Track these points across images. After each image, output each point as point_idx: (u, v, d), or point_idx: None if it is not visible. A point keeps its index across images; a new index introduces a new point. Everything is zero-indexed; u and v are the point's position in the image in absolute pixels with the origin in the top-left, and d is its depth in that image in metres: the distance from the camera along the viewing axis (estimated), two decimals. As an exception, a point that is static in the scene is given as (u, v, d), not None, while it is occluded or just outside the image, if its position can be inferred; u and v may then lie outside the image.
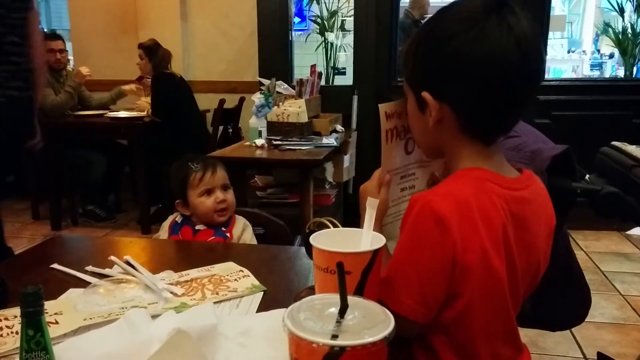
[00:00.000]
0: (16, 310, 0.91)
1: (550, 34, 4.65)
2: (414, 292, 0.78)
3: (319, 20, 4.56)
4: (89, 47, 4.52)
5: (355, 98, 3.88)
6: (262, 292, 1.04)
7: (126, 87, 4.05)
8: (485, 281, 0.79)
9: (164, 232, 1.59)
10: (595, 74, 6.58)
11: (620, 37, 4.33)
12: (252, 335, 0.84)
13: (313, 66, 3.55)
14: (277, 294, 1.04)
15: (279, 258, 1.28)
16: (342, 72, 4.73)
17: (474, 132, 0.84)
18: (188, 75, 4.17)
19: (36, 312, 0.65)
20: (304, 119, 3.09)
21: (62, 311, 0.94)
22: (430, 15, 0.87)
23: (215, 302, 0.99)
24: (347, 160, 3.46)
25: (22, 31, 2.01)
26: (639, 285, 2.87)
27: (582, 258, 3.18)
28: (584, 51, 7.57)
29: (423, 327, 0.82)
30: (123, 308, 0.95)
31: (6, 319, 0.91)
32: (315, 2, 4.70)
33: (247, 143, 3.03)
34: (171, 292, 1.02)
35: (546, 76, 4.50)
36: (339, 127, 3.53)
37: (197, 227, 1.56)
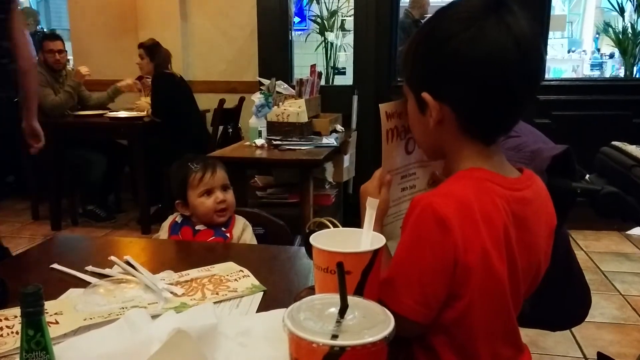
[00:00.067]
0: (16, 310, 0.91)
1: (551, 34, 4.65)
2: (414, 293, 0.78)
3: (318, 20, 4.57)
4: (88, 47, 4.52)
5: (355, 98, 3.88)
6: (262, 292, 1.04)
7: (122, 84, 4.04)
8: (486, 282, 0.79)
9: (164, 232, 1.59)
10: (596, 73, 6.59)
11: (621, 36, 4.33)
12: (252, 335, 0.84)
13: (313, 66, 3.55)
14: (277, 294, 1.04)
15: (279, 258, 1.28)
16: (342, 72, 4.73)
17: (474, 132, 0.84)
18: (188, 75, 4.17)
19: (36, 312, 0.65)
20: (304, 119, 3.09)
21: (62, 311, 0.94)
22: (430, 15, 0.87)
23: (215, 302, 0.99)
24: (347, 160, 3.46)
25: (3, 32, 1.99)
26: (639, 285, 2.87)
27: (582, 258, 3.19)
28: (584, 51, 7.57)
29: (424, 327, 0.82)
30: (123, 308, 0.96)
31: (6, 319, 0.91)
32: (315, 1, 4.71)
33: (247, 143, 3.03)
34: (171, 292, 1.02)
35: (546, 76, 4.50)
36: (338, 127, 3.53)
37: (197, 228, 1.56)
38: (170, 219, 1.62)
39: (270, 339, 0.82)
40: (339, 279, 0.62)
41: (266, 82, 3.06)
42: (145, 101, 3.91)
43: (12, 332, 0.87)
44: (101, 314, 0.93)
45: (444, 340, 0.84)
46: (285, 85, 3.19)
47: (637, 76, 4.26)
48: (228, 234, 1.55)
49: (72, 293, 1.04)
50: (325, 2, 4.59)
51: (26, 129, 2.45)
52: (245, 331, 0.85)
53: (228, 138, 3.95)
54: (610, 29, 4.58)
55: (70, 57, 4.47)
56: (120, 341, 0.82)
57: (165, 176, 2.95)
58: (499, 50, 0.78)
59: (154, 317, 0.89)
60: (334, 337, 0.55)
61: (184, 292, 1.03)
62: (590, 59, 7.11)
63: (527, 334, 0.97)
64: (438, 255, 0.77)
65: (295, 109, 3.08)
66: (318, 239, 0.76)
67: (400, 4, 4.27)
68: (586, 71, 6.62)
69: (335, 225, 0.85)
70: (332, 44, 4.51)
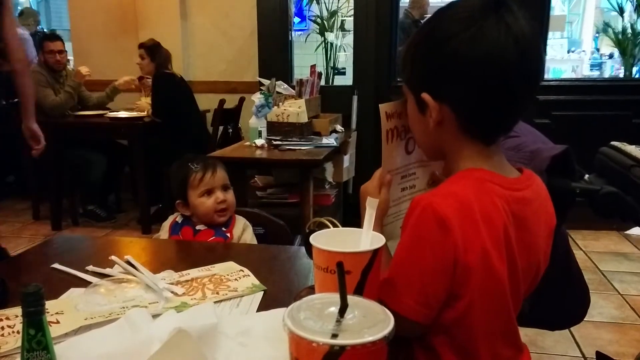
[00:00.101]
0: (17, 310, 0.92)
1: (550, 34, 4.65)
2: (415, 293, 0.78)
3: (318, 20, 4.56)
4: (89, 47, 4.52)
5: (355, 98, 3.88)
6: (262, 292, 1.04)
7: (120, 81, 4.04)
8: (486, 282, 0.79)
9: (164, 232, 1.59)
10: (595, 74, 6.59)
11: (620, 37, 4.33)
12: (253, 335, 0.85)
13: (313, 66, 3.55)
14: (277, 293, 1.04)
15: (279, 258, 1.28)
16: (342, 72, 4.73)
17: (475, 132, 0.84)
18: (188, 76, 4.17)
19: (37, 311, 0.65)
20: (304, 119, 3.09)
21: (63, 311, 0.94)
22: (430, 16, 0.87)
23: (215, 302, 0.99)
24: (347, 160, 3.46)
25: None
26: (637, 284, 2.88)
27: (581, 258, 3.19)
28: (583, 51, 7.57)
29: (424, 327, 0.82)
30: (124, 307, 0.96)
31: (7, 318, 0.91)
32: (315, 2, 4.70)
33: (247, 143, 3.04)
34: (172, 292, 1.02)
35: (546, 76, 4.50)
36: (338, 127, 3.53)
37: (197, 228, 1.57)
38: (170, 219, 1.62)
39: (271, 338, 0.82)
40: (339, 278, 0.62)
41: (266, 82, 3.07)
42: (145, 101, 3.91)
43: (13, 332, 0.87)
44: (102, 314, 0.93)
45: (444, 340, 0.84)
46: (285, 86, 3.19)
47: (637, 76, 4.27)
48: (228, 234, 1.55)
49: (73, 293, 1.04)
50: (325, 3, 4.59)
51: (25, 131, 2.45)
52: (246, 331, 0.85)
53: (228, 138, 3.95)
54: (609, 29, 4.58)
55: (70, 57, 4.47)
56: (121, 341, 0.82)
57: (165, 176, 2.95)
58: (498, 50, 0.78)
59: (155, 316, 0.90)
60: (334, 336, 0.55)
61: (185, 292, 1.03)
62: (589, 59, 7.12)
63: (526, 334, 0.97)
64: (438, 256, 0.77)
65: (295, 109, 3.09)
66: (318, 239, 0.77)
67: (400, 4, 4.27)
68: (586, 71, 6.62)
69: (335, 225, 0.86)
70: (332, 44, 4.51)
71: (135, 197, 3.99)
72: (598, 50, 7.34)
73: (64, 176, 3.87)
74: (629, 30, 4.24)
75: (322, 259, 0.75)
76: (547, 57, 5.40)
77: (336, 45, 4.55)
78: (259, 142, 2.95)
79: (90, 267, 1.15)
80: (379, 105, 0.91)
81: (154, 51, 3.77)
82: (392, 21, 3.91)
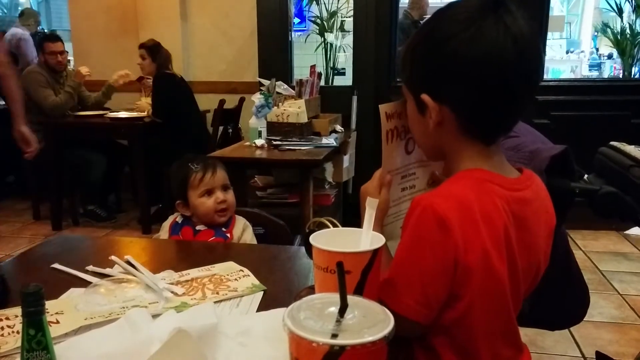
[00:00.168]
0: (17, 310, 0.92)
1: (549, 35, 4.65)
2: (415, 293, 0.79)
3: (318, 20, 4.57)
4: (89, 47, 4.52)
5: (355, 98, 3.88)
6: (262, 292, 1.04)
7: (114, 77, 4.02)
8: (487, 282, 0.79)
9: (164, 233, 1.59)
10: (594, 74, 6.60)
11: (619, 37, 4.34)
12: (252, 335, 0.85)
13: (313, 66, 3.55)
14: (277, 293, 1.04)
15: (279, 258, 1.28)
16: (341, 73, 4.74)
17: (474, 133, 0.84)
18: (188, 76, 4.17)
19: (37, 311, 0.65)
20: (304, 119, 3.09)
21: (63, 311, 0.95)
22: (429, 16, 0.88)
23: (215, 302, 0.99)
24: (347, 160, 3.47)
25: None
26: (637, 284, 2.88)
27: (581, 258, 3.19)
28: (582, 51, 7.58)
29: (424, 327, 0.82)
30: (124, 307, 0.96)
31: (7, 318, 0.91)
32: (315, 2, 4.71)
33: (247, 143, 3.04)
34: (172, 292, 1.02)
35: (545, 76, 4.50)
36: (338, 128, 3.53)
37: (197, 228, 1.57)
38: (170, 219, 1.62)
39: (271, 338, 0.82)
40: (339, 278, 0.62)
41: (266, 82, 3.07)
42: (145, 101, 3.92)
43: (13, 332, 0.87)
44: (102, 314, 0.93)
45: (444, 341, 0.84)
46: (285, 86, 3.19)
47: (636, 76, 4.27)
48: (228, 234, 1.55)
49: (73, 293, 1.04)
50: (324, 3, 4.59)
51: (15, 134, 2.44)
52: (246, 331, 0.85)
53: (228, 138, 3.96)
54: (608, 30, 4.59)
55: (70, 57, 4.47)
56: (121, 341, 0.83)
57: (165, 176, 2.95)
58: (497, 50, 0.78)
59: (155, 316, 0.90)
60: (334, 336, 0.55)
61: (185, 292, 1.03)
62: (588, 60, 7.13)
63: (525, 334, 0.97)
64: (439, 256, 0.77)
65: (295, 110, 3.09)
66: (318, 239, 0.77)
67: (400, 5, 4.27)
68: (585, 72, 6.63)
69: (335, 225, 0.86)
70: (331, 44, 4.51)
71: (136, 197, 3.99)
72: (597, 50, 7.35)
73: (64, 176, 3.87)
74: (628, 31, 4.24)
75: (322, 259, 0.75)
76: (546, 58, 5.39)
77: (336, 46, 4.55)
78: (259, 142, 2.95)
79: (90, 267, 1.15)
80: (379, 105, 0.91)
81: (154, 51, 3.77)
82: (391, 22, 3.91)
